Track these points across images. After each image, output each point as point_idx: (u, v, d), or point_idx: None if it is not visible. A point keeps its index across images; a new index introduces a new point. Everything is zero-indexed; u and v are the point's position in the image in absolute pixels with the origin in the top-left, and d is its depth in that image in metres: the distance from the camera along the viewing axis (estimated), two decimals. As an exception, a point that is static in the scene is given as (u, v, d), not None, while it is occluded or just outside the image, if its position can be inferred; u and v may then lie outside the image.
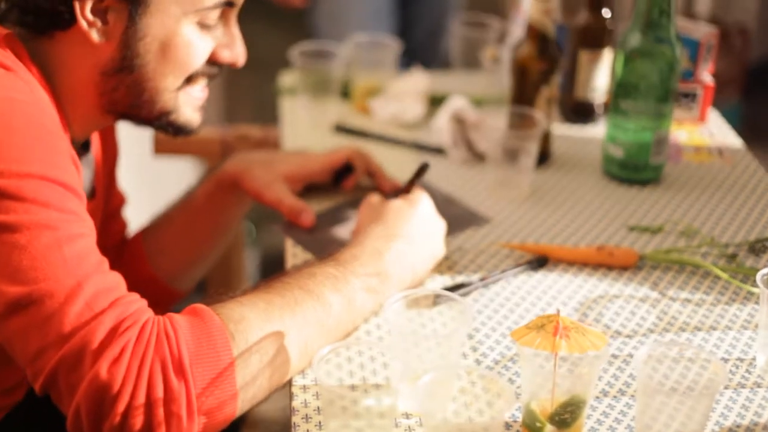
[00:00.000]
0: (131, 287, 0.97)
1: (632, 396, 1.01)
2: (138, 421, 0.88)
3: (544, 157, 1.51)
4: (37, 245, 0.89)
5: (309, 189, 1.38)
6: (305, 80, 1.66)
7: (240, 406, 0.94)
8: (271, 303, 0.98)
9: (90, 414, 0.88)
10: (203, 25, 1.05)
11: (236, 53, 1.11)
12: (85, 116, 1.08)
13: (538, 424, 0.93)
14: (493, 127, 1.43)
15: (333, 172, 1.39)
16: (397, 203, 1.18)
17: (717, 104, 1.70)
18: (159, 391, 0.88)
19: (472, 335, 1.11)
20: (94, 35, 1.01)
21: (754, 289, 1.18)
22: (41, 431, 1.20)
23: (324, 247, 1.26)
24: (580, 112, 1.64)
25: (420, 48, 2.58)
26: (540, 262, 1.24)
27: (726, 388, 1.03)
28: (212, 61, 1.09)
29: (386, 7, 2.53)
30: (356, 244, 1.12)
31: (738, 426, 0.97)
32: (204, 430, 0.91)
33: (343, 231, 1.31)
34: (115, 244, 1.34)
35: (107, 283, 0.92)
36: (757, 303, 1.17)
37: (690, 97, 1.63)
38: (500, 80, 1.71)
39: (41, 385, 0.90)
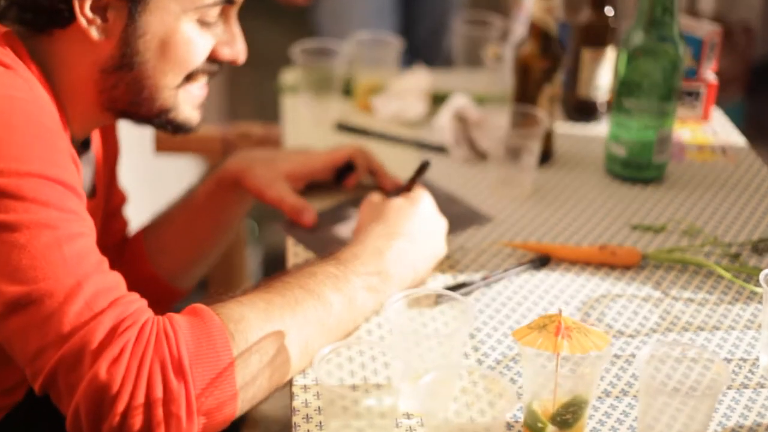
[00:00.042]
0: (132, 286, 0.97)
1: (634, 396, 1.01)
2: (137, 421, 0.87)
3: (546, 156, 1.50)
4: (37, 244, 0.88)
5: (310, 187, 1.38)
6: (307, 78, 1.65)
7: (240, 407, 0.93)
8: (271, 302, 0.98)
9: (89, 414, 0.87)
10: (203, 23, 1.05)
11: (236, 50, 1.10)
12: (85, 114, 1.08)
13: (539, 425, 0.92)
14: (496, 125, 1.43)
15: (334, 171, 1.38)
16: (398, 202, 1.18)
17: (720, 102, 1.69)
18: (158, 392, 0.88)
19: (474, 335, 1.11)
20: (94, 33, 1.01)
21: (758, 289, 1.18)
22: (41, 431, 1.20)
23: (325, 245, 1.26)
24: (582, 110, 1.63)
25: (423, 46, 2.58)
26: (542, 261, 1.24)
27: (729, 388, 1.02)
28: (212, 58, 1.09)
29: (389, 5, 2.52)
30: (357, 243, 1.11)
31: (741, 426, 0.97)
32: (204, 430, 0.91)
33: (344, 230, 1.31)
34: (116, 242, 1.34)
35: (107, 282, 0.91)
36: (760, 303, 1.16)
37: (693, 95, 1.63)
38: (503, 78, 1.71)
39: (40, 385, 0.89)
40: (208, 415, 0.91)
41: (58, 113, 1.00)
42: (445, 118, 1.55)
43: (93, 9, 1.00)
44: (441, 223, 1.20)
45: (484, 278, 1.19)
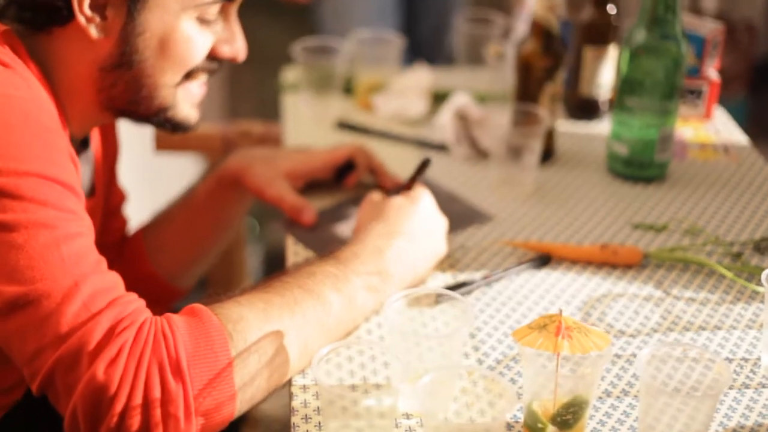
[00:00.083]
0: (131, 285, 0.97)
1: (635, 396, 1.00)
2: (135, 422, 0.87)
3: (547, 155, 1.50)
4: (35, 244, 0.88)
5: (311, 186, 1.38)
6: (308, 76, 1.65)
7: (238, 407, 0.93)
8: (270, 302, 0.98)
9: (87, 415, 0.87)
10: (203, 20, 1.05)
11: (236, 48, 1.10)
12: (84, 113, 1.07)
13: (539, 425, 0.92)
14: (497, 123, 1.42)
15: (335, 169, 1.38)
16: (398, 200, 1.18)
17: (723, 101, 1.69)
18: (156, 392, 0.87)
19: (474, 335, 1.10)
20: (93, 31, 1.00)
21: (759, 288, 1.17)
22: (40, 431, 1.20)
23: (325, 244, 1.26)
24: (584, 108, 1.63)
25: (424, 44, 2.58)
26: (543, 260, 1.23)
27: (730, 388, 1.02)
28: (212, 56, 1.08)
29: (391, 3, 2.52)
30: (357, 242, 1.11)
31: (742, 427, 0.96)
32: (202, 430, 0.91)
33: (344, 228, 1.31)
34: (116, 241, 1.33)
35: (105, 282, 0.91)
36: (761, 302, 1.16)
37: (695, 93, 1.62)
38: (504, 77, 1.70)
39: (38, 385, 0.89)
40: (206, 415, 0.90)
41: (57, 112, 0.99)
42: (446, 116, 1.54)
43: (92, 7, 0.99)
44: (441, 222, 1.20)
45: (485, 277, 1.19)
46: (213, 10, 1.05)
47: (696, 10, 2.91)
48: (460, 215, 1.34)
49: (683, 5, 1.47)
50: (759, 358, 1.07)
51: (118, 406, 0.86)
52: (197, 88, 1.10)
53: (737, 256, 1.25)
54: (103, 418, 0.87)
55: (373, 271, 1.07)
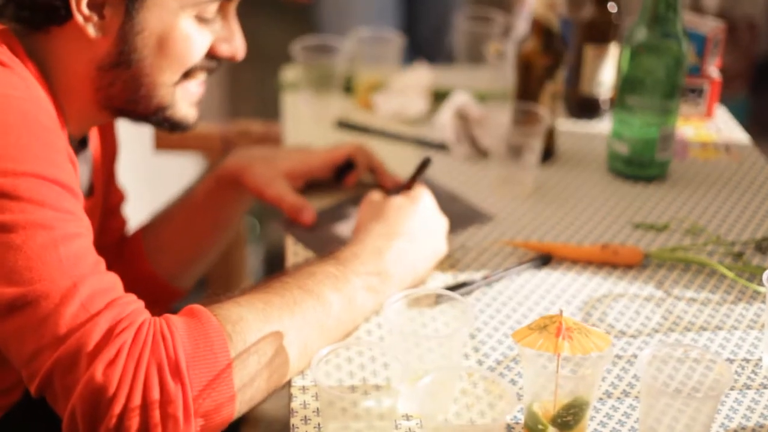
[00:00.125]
0: (130, 285, 0.96)
1: (636, 397, 1.00)
2: (134, 423, 0.87)
3: (548, 154, 1.49)
4: (33, 245, 0.88)
5: (310, 186, 1.37)
6: (308, 75, 1.65)
7: (238, 408, 0.93)
8: (269, 303, 0.97)
9: (86, 416, 0.87)
10: (201, 19, 1.04)
11: (235, 47, 1.09)
12: (82, 112, 1.07)
13: (540, 427, 0.92)
14: (497, 122, 1.42)
15: (334, 169, 1.38)
16: (398, 200, 1.17)
17: (724, 100, 1.68)
18: (155, 393, 0.87)
19: (474, 335, 1.10)
20: (91, 30, 1.00)
21: (761, 288, 1.17)
22: (39, 431, 1.19)
23: (325, 245, 1.25)
24: (585, 107, 1.62)
25: (425, 42, 2.57)
26: (543, 260, 1.23)
27: (731, 389, 1.01)
28: (211, 55, 1.08)
29: (391, 3, 2.52)
30: (357, 243, 1.10)
31: (743, 428, 0.96)
32: (201, 432, 0.90)
33: (344, 228, 1.30)
34: (115, 241, 1.33)
35: (103, 283, 0.91)
36: (763, 302, 1.15)
37: (697, 92, 1.62)
38: (504, 75, 1.70)
39: (37, 387, 0.89)
40: (205, 416, 0.90)
41: (55, 111, 0.99)
42: (446, 115, 1.54)
43: (90, 6, 0.99)
44: (441, 222, 1.19)
45: (485, 278, 1.18)
46: (211, 9, 1.04)
47: (697, 8, 2.91)
48: (461, 215, 1.34)
49: (684, 3, 1.46)
50: (760, 359, 1.06)
51: (117, 408, 0.86)
52: (196, 87, 1.10)
53: (738, 256, 1.25)
54: (102, 419, 0.86)
55: (373, 271, 1.07)
